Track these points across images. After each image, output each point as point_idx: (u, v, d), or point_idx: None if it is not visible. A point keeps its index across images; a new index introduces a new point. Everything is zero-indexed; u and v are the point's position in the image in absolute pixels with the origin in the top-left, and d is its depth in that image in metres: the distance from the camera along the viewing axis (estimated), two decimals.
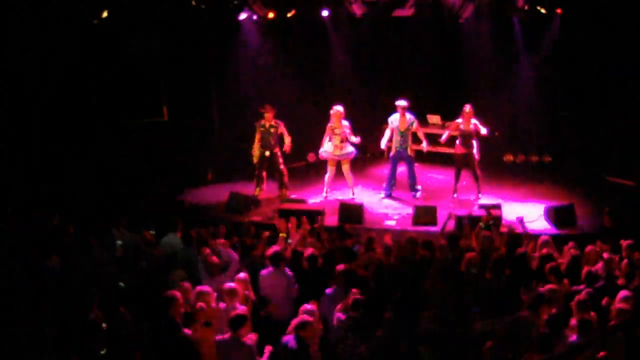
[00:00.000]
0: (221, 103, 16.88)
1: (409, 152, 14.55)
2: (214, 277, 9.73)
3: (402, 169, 14.84)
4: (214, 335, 8.25)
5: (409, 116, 14.35)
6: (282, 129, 14.54)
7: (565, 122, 16.67)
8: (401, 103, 14.34)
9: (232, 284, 9.05)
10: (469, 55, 17.24)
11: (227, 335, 8.03)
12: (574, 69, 16.16)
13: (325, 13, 16.40)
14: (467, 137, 14.23)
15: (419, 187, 14.81)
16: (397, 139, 14.47)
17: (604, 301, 9.08)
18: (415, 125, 14.42)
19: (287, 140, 14.58)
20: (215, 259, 10.02)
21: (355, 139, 14.26)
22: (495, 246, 10.75)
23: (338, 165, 14.58)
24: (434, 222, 13.14)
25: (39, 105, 14.65)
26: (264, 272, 9.75)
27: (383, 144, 14.67)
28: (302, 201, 14.12)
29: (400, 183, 14.98)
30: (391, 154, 14.73)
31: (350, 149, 14.48)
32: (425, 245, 10.72)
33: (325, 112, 14.48)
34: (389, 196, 14.84)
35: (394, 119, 14.42)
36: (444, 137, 14.65)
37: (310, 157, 15.67)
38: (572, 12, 15.62)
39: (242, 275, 9.49)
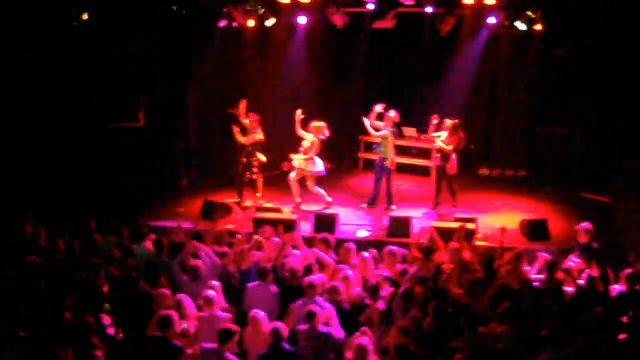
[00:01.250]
0: (198, 110, 16.79)
1: (388, 164, 14.48)
2: (195, 282, 9.70)
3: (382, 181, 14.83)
4: (190, 345, 8.24)
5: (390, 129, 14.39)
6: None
7: (540, 137, 16.76)
8: (390, 114, 14.32)
9: (210, 292, 9.03)
10: (448, 68, 17.35)
11: (213, 346, 8.00)
12: (550, 85, 16.27)
13: (303, 20, 16.27)
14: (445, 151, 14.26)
15: (394, 206, 14.77)
16: (381, 149, 14.40)
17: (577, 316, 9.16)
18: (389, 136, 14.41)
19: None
20: (199, 262, 9.98)
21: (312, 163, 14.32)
22: (465, 260, 10.74)
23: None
24: (407, 234, 13.14)
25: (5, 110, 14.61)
26: (250, 284, 9.76)
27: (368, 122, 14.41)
28: (277, 210, 14.04)
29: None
30: (377, 162, 14.61)
31: (317, 167, 14.43)
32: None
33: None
34: (370, 204, 14.79)
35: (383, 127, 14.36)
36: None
37: (285, 166, 15.58)
38: (552, 30, 15.68)
39: (216, 283, 9.45)
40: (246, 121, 14.45)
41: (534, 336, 8.41)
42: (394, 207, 14.71)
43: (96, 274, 10.05)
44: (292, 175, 14.59)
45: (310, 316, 8.45)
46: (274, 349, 8.00)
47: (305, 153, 14.34)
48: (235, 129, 14.47)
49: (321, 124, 14.29)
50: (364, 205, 14.82)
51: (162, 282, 9.79)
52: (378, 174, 14.62)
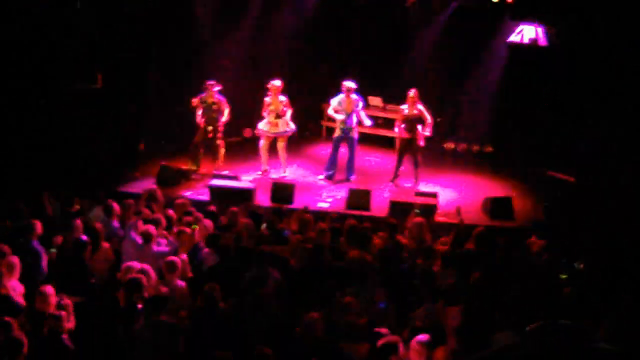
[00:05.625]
0: (158, 74, 16.30)
1: (353, 133, 14.23)
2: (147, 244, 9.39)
3: (343, 150, 14.50)
4: None
5: (354, 97, 14.02)
6: (225, 105, 14.18)
7: (509, 114, 16.51)
8: (348, 84, 14.00)
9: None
10: (416, 40, 17.06)
11: None
12: (520, 62, 16.03)
13: None
14: (411, 122, 13.95)
15: (353, 177, 14.50)
16: (341, 120, 14.12)
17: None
18: (360, 106, 14.10)
19: (226, 115, 14.24)
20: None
21: (287, 115, 14.03)
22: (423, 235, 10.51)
23: (273, 142, 14.21)
24: (367, 207, 12.86)
25: None
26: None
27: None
28: (235, 178, 13.67)
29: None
30: (335, 135, 14.37)
31: (287, 126, 14.12)
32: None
33: (264, 87, 14.10)
34: (329, 178, 14.48)
35: (339, 100, 14.06)
36: (397, 128, 14.34)
37: (246, 132, 15.28)
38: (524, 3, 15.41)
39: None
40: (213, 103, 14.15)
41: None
42: (352, 177, 14.45)
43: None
44: (262, 142, 14.25)
45: None
46: None
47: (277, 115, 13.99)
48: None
49: (277, 83, 13.97)
50: (321, 177, 14.55)
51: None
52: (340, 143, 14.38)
